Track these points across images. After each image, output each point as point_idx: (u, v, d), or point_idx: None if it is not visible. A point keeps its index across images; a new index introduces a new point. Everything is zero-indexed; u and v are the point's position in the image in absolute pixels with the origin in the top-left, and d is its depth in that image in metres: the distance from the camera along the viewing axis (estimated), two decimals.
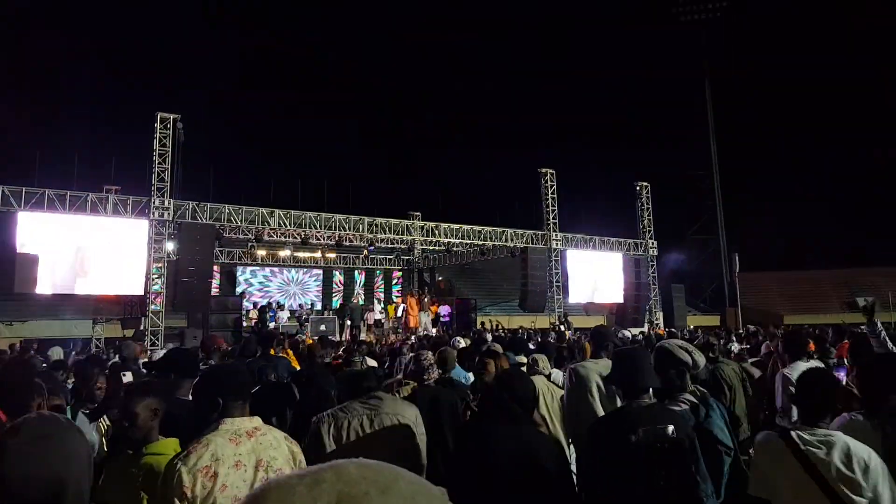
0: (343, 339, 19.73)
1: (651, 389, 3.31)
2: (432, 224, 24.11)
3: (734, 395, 5.56)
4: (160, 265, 18.44)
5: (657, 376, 3.29)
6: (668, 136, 43.97)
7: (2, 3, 34.03)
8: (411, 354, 5.49)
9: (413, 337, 17.78)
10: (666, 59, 45.57)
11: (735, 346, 11.03)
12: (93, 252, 17.43)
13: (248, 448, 2.60)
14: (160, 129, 18.36)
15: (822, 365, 4.85)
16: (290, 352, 8.65)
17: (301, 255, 28.26)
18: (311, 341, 11.31)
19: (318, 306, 27.19)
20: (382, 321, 25.07)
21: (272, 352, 7.74)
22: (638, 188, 28.31)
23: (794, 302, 38.77)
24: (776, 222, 43.91)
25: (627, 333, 12.07)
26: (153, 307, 18.23)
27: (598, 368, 4.66)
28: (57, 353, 13.12)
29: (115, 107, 40.31)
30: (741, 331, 16.91)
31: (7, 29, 38.24)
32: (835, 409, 3.02)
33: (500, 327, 22.37)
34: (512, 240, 25.24)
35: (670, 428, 3.06)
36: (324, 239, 23.88)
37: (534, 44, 58.23)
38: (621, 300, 27.25)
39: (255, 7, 52.87)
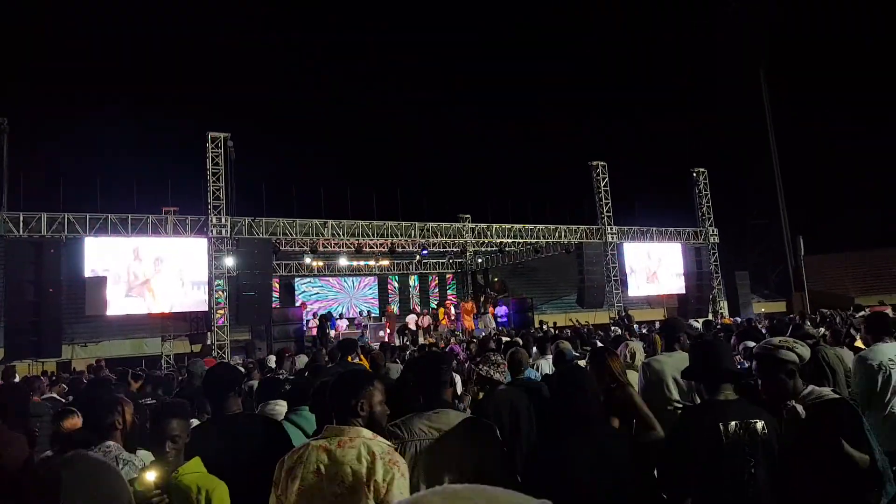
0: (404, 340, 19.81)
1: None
2: (483, 225, 24.14)
3: (836, 378, 5.28)
4: (221, 281, 18.88)
5: (768, 383, 3.09)
6: (724, 118, 42.75)
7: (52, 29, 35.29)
8: (464, 357, 5.32)
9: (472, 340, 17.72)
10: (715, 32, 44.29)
11: (813, 330, 10.55)
12: (157, 272, 17.98)
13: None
14: (211, 148, 18.83)
15: None
16: (363, 358, 8.70)
17: (356, 263, 28.60)
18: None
19: (376, 313, 27.38)
20: (430, 325, 25.14)
21: (349, 359, 7.80)
22: (695, 174, 27.73)
23: (865, 282, 37.17)
24: (840, 202, 42.18)
25: (695, 324, 11.73)
26: (218, 322, 18.68)
27: (672, 362, 4.51)
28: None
29: (167, 129, 41.60)
30: (815, 315, 16.26)
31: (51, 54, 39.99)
32: None
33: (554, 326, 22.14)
34: (565, 236, 25.08)
35: (759, 423, 2.94)
36: (377, 246, 24.09)
37: (575, 34, 57.48)
38: (683, 291, 26.79)
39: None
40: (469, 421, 3.27)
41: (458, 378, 7.12)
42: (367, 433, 2.68)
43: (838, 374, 5.27)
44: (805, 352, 3.15)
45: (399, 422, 3.22)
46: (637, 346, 5.51)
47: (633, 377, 4.92)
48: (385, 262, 29.20)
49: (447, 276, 32.60)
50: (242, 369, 8.23)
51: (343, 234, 21.49)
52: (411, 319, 24.96)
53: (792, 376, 3.08)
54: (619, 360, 4.42)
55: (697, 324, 11.95)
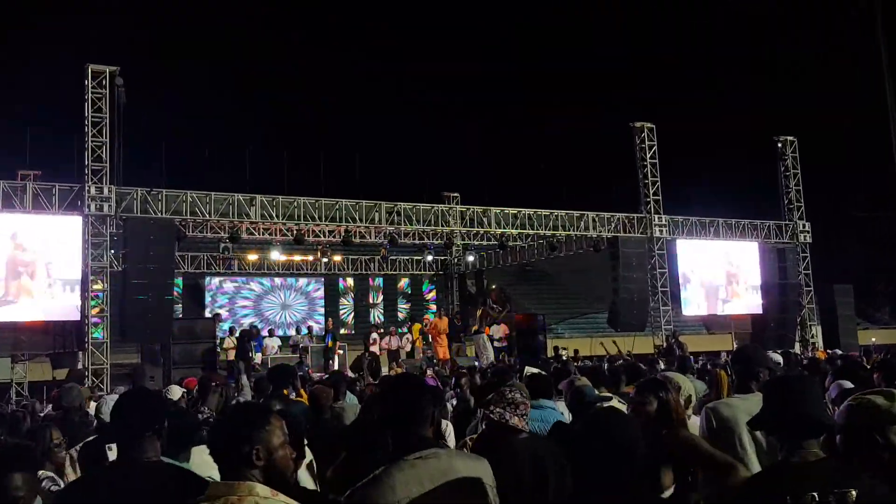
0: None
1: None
2: (478, 209, 24.18)
3: None
4: (100, 278, 18.81)
5: (872, 449, 2.95)
6: (820, 68, 43.17)
7: None
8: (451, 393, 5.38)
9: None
10: None
11: None
12: (5, 263, 17.86)
13: None
14: (92, 88, 18.67)
15: None
16: (305, 394, 8.78)
17: (295, 257, 28.50)
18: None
19: (319, 329, 27.45)
20: (400, 348, 25.34)
21: (285, 393, 7.87)
22: (780, 145, 27.73)
23: None
24: None
25: (777, 357, 11.90)
26: (94, 338, 18.57)
27: (748, 407, 4.52)
28: None
29: (28, 59, 41.07)
30: None
31: None
32: None
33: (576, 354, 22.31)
34: (595, 227, 25.13)
35: (853, 493, 2.90)
36: (325, 235, 24.07)
37: None
38: (760, 310, 27.02)
39: None
40: (464, 457, 3.38)
41: (448, 425, 7.27)
42: (263, 490, 2.74)
43: None
44: None
45: (374, 478, 3.24)
46: (687, 381, 5.52)
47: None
48: (337, 258, 29.14)
49: (424, 279, 32.73)
50: (178, 393, 8.36)
51: (277, 216, 21.46)
52: (376, 340, 25.26)
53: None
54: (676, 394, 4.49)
55: (777, 356, 12.08)
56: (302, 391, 9.12)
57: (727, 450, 4.55)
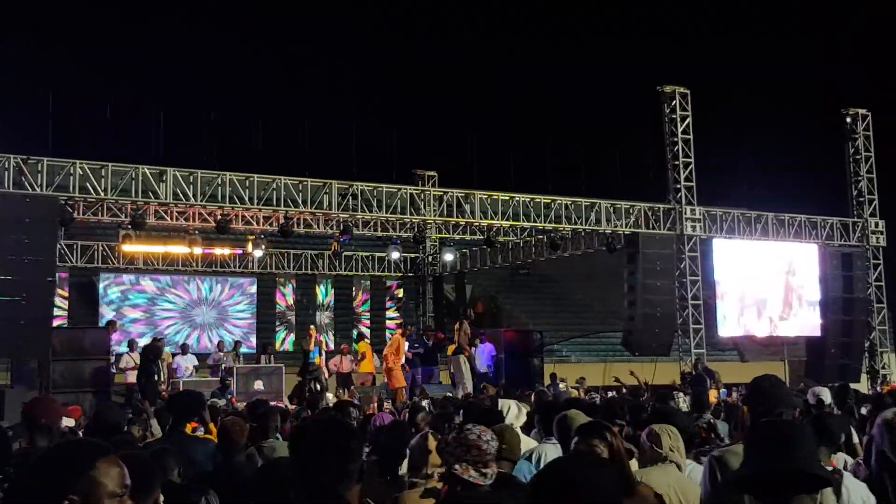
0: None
1: None
2: (459, 192, 24.38)
3: None
4: None
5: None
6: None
7: None
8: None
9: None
10: None
11: None
12: None
13: None
14: None
15: None
16: (215, 429, 8.82)
17: (217, 251, 28.48)
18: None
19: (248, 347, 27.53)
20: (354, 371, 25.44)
21: (189, 429, 7.82)
22: (849, 119, 27.75)
23: None
24: None
25: (825, 394, 11.69)
26: None
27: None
28: None
29: None
30: None
31: None
32: None
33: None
34: (608, 220, 25.21)
35: None
36: (258, 222, 23.89)
37: None
38: (818, 331, 27.14)
39: None
40: None
41: None
42: None
43: None
44: None
45: None
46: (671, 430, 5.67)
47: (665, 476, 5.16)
48: (274, 251, 29.24)
49: (386, 282, 32.78)
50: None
51: (195, 196, 21.43)
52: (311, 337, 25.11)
53: None
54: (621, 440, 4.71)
55: (825, 393, 11.97)
56: (212, 425, 9.20)
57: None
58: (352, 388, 24.14)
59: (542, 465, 6.13)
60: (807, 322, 27.47)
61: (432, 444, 5.81)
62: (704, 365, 23.84)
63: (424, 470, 5.80)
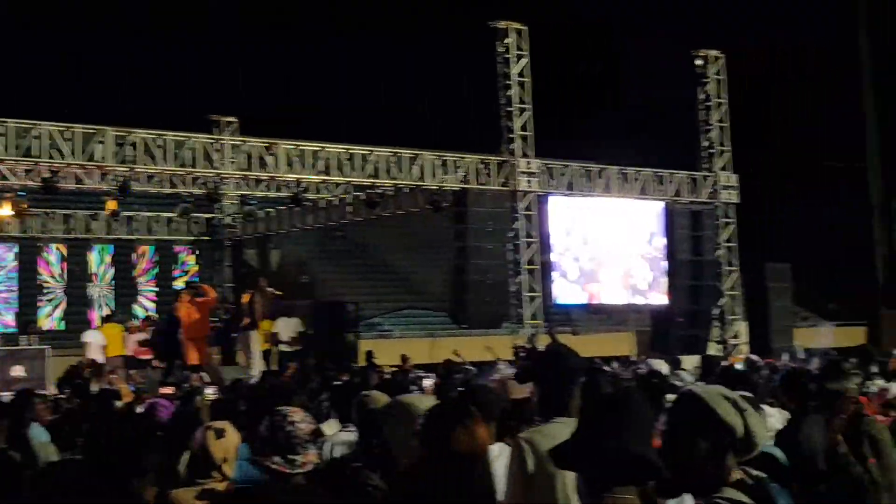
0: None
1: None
2: (261, 143, 23.76)
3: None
4: None
5: (682, 451, 3.53)
6: None
7: None
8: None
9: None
10: None
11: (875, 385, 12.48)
12: None
13: None
14: None
15: None
16: None
17: None
18: None
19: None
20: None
21: None
22: (700, 62, 28.15)
23: None
24: None
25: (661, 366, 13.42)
26: None
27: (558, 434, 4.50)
28: None
29: None
30: None
31: None
32: None
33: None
34: (434, 174, 25.22)
35: None
36: (16, 176, 23.75)
37: None
38: (665, 298, 27.45)
39: None
40: None
41: None
42: None
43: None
44: (761, 433, 3.65)
45: None
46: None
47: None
48: (36, 212, 29.13)
49: (176, 248, 32.73)
50: None
51: None
52: (93, 339, 25.01)
53: (719, 454, 3.55)
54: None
55: (662, 365, 13.58)
56: None
57: (545, 490, 4.89)
58: (130, 371, 23.82)
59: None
60: (659, 289, 28.23)
61: (211, 436, 5.94)
62: (555, 336, 23.04)
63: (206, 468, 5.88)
